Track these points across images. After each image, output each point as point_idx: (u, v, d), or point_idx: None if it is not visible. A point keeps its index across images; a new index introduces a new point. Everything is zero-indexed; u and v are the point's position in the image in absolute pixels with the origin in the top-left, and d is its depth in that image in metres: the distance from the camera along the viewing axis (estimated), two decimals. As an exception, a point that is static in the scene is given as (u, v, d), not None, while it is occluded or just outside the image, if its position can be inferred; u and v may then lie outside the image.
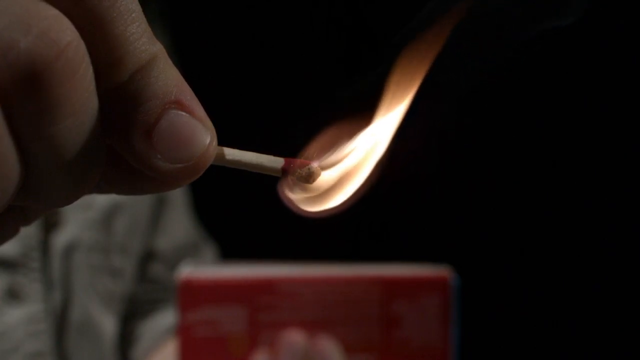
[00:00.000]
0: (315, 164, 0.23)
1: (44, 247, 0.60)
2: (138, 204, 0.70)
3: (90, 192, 0.21)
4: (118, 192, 0.22)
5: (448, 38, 0.23)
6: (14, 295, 0.57)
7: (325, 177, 0.23)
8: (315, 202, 0.23)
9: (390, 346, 0.54)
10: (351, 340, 0.53)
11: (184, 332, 0.51)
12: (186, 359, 0.52)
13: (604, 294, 0.85)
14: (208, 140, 0.19)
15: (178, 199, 0.76)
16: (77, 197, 0.19)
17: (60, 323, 0.60)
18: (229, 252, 0.80)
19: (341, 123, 0.24)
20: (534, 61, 0.83)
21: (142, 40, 0.18)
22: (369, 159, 0.24)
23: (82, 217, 0.63)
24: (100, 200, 0.65)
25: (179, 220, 0.75)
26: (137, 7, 0.18)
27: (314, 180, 0.23)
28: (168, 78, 0.19)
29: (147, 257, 0.72)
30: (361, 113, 0.24)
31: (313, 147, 0.23)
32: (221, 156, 0.21)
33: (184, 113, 0.19)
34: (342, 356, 0.52)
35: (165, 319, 0.70)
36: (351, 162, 0.23)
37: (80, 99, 0.17)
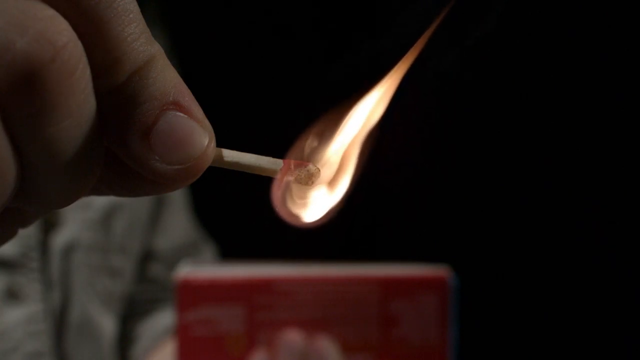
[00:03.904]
0: (314, 165, 0.23)
1: (43, 247, 0.60)
2: (137, 204, 0.70)
3: (88, 194, 0.20)
4: (116, 194, 0.22)
5: (439, 27, 0.23)
6: (13, 296, 0.57)
7: (323, 177, 0.23)
8: (312, 206, 0.23)
9: (389, 346, 0.54)
10: (349, 339, 0.53)
11: (182, 332, 0.51)
12: (184, 358, 0.52)
13: (603, 294, 0.85)
14: (206, 142, 0.19)
15: (177, 199, 0.76)
16: (74, 199, 0.19)
17: (60, 323, 0.60)
18: (228, 252, 0.80)
19: (330, 115, 0.24)
20: (534, 60, 0.83)
21: (140, 41, 0.18)
22: (357, 147, 0.23)
23: (81, 217, 0.63)
24: (100, 201, 0.65)
25: (178, 220, 0.75)
26: (135, 8, 0.18)
27: (313, 182, 0.23)
28: (166, 79, 0.19)
29: (146, 257, 0.72)
30: (350, 101, 0.23)
31: (305, 144, 0.23)
32: (219, 158, 0.21)
33: (182, 114, 0.19)
34: (340, 356, 0.52)
35: (164, 318, 0.70)
36: (342, 154, 0.23)
37: (77, 100, 0.17)
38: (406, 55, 0.23)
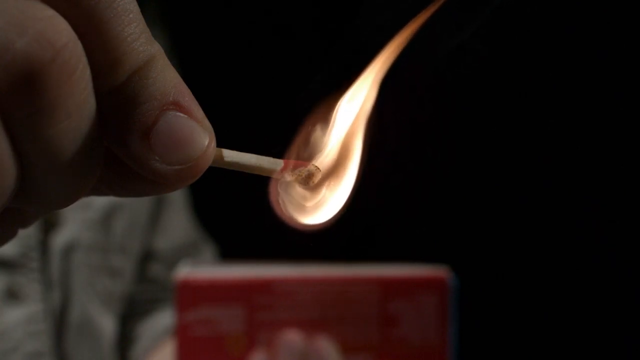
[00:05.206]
0: (314, 165, 0.23)
1: (43, 247, 0.60)
2: (137, 204, 0.70)
3: (88, 194, 0.20)
4: (116, 194, 0.22)
5: (430, 19, 0.23)
6: (13, 296, 0.57)
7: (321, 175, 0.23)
8: (313, 207, 0.23)
9: (388, 346, 0.54)
10: (349, 340, 0.53)
11: (182, 332, 0.51)
12: (184, 358, 0.52)
13: (603, 294, 0.85)
14: (206, 142, 0.19)
15: (177, 199, 0.76)
16: (74, 200, 0.19)
17: (60, 323, 0.60)
18: (228, 252, 0.80)
19: (326, 109, 0.23)
20: (534, 58, 0.83)
21: (140, 41, 0.18)
22: (356, 143, 0.23)
23: (81, 217, 0.63)
24: (100, 201, 0.65)
25: (178, 220, 0.75)
26: (135, 8, 0.18)
27: (313, 182, 0.23)
28: (166, 79, 0.19)
29: (146, 256, 0.72)
30: (342, 93, 0.23)
31: (304, 142, 0.23)
32: (220, 158, 0.21)
33: (182, 114, 0.19)
34: (339, 356, 0.52)
35: (164, 318, 0.70)
36: (341, 151, 0.23)
37: (77, 100, 0.17)
38: (398, 46, 0.23)
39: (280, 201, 0.23)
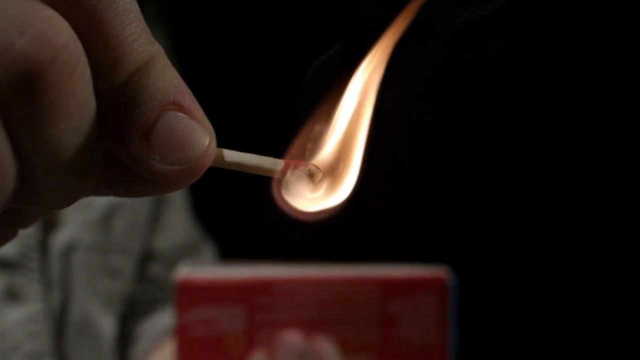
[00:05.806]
0: (314, 165, 0.23)
1: (43, 247, 0.60)
2: (137, 204, 0.70)
3: (88, 194, 0.20)
4: (116, 194, 0.22)
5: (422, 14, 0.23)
6: (13, 296, 0.57)
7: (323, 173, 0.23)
8: (316, 202, 0.23)
9: (388, 346, 0.54)
10: (349, 340, 0.53)
11: (181, 332, 0.51)
12: (184, 358, 0.52)
13: (603, 294, 0.85)
14: (207, 142, 0.19)
15: (177, 198, 0.76)
16: (74, 200, 0.19)
17: (60, 323, 0.61)
18: (228, 252, 0.80)
19: (325, 108, 0.23)
20: (534, 58, 0.83)
21: (140, 41, 0.18)
22: (356, 140, 0.23)
23: (81, 217, 0.63)
24: (99, 201, 0.65)
25: (177, 220, 0.75)
26: (135, 8, 0.18)
27: (314, 182, 0.23)
28: (166, 79, 0.19)
29: (146, 257, 0.72)
30: (340, 91, 0.23)
31: (304, 142, 0.23)
32: (220, 158, 0.21)
33: (182, 115, 0.19)
34: (339, 356, 0.52)
35: (164, 318, 0.70)
36: (341, 149, 0.23)
37: (77, 100, 0.17)
38: (395, 42, 0.23)
39: (282, 200, 0.23)
